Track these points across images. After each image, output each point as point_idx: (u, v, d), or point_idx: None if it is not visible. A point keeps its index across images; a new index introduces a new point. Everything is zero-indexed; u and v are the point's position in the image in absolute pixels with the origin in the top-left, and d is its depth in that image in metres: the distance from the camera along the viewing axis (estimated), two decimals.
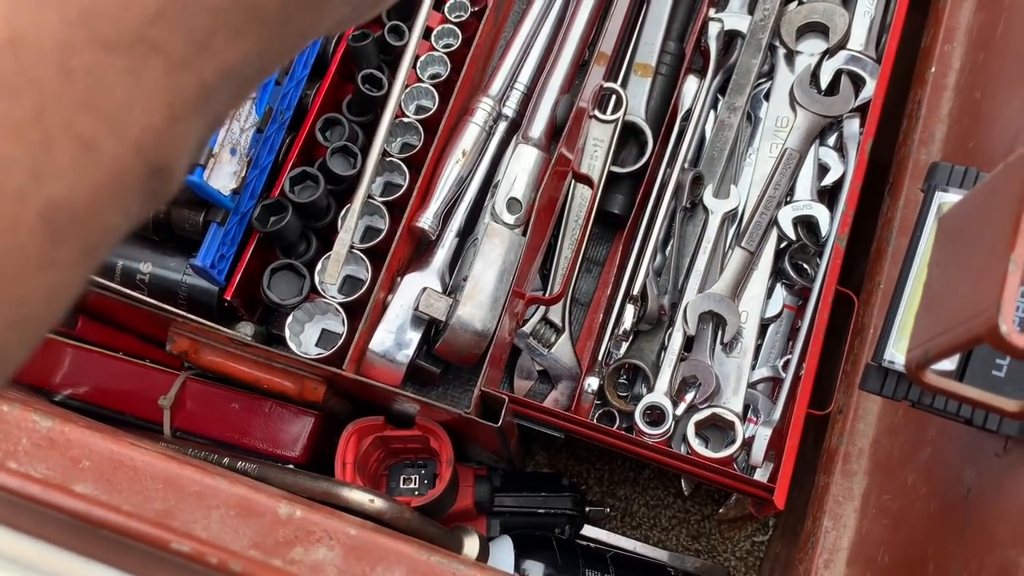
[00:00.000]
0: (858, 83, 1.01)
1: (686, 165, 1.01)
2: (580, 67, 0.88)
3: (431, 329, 0.77)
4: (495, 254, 0.76)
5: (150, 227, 0.78)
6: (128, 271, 0.80)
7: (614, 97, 1.02)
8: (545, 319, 0.98)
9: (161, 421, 0.95)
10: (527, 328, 0.98)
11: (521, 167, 0.79)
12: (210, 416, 0.94)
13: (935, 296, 0.46)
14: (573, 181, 0.97)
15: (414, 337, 0.75)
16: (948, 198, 0.60)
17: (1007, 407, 0.45)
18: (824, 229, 0.97)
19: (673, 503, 1.17)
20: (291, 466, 0.91)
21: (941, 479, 0.69)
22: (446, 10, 0.88)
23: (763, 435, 0.90)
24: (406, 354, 0.75)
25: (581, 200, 0.99)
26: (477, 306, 0.74)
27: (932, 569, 0.64)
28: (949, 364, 0.59)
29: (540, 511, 1.03)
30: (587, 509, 1.08)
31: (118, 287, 0.75)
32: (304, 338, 0.78)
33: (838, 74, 1.01)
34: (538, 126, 0.81)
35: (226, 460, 0.88)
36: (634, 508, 1.16)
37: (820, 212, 0.97)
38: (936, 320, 0.44)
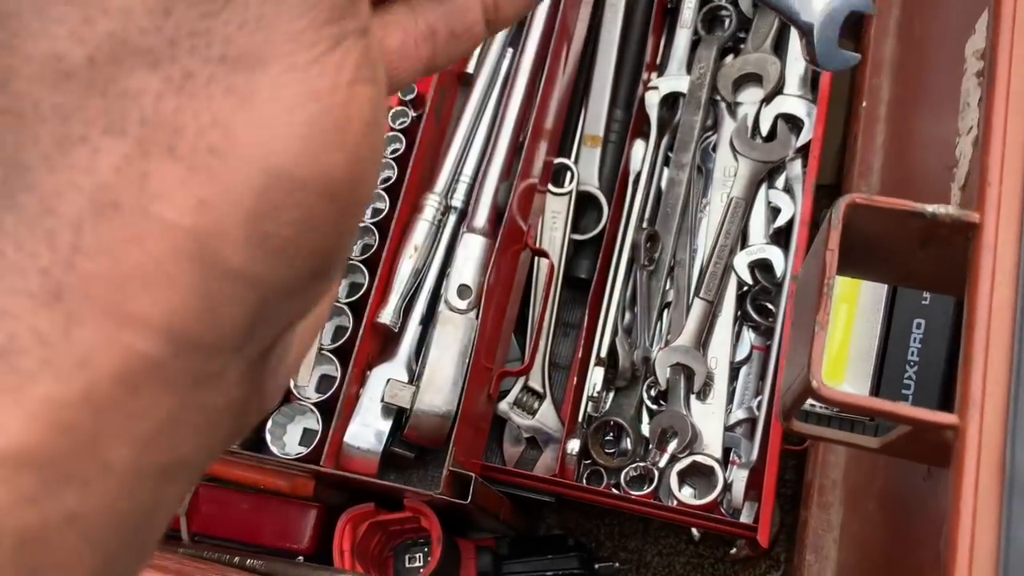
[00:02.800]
0: (798, 124, 1.06)
1: (644, 225, 1.06)
2: (519, 150, 0.94)
3: (401, 416, 0.83)
4: (449, 339, 0.81)
5: None
6: None
7: (567, 172, 1.08)
8: (526, 387, 1.03)
9: (179, 527, 1.01)
10: (510, 397, 1.03)
11: (468, 255, 0.85)
12: (223, 518, 1.00)
13: (790, 350, 0.50)
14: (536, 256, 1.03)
15: (385, 426, 0.81)
16: None
17: (869, 445, 0.48)
18: (779, 270, 1.01)
19: (685, 549, 1.19)
20: (300, 558, 0.96)
21: (889, 506, 0.71)
22: (390, 118, 0.95)
23: (740, 476, 0.93)
24: (378, 444, 0.80)
25: (544, 271, 1.04)
26: (437, 391, 0.79)
27: None
28: (862, 390, 0.63)
29: (548, 574, 1.06)
30: (596, 566, 1.11)
31: None
32: (287, 439, 0.84)
33: (776, 119, 1.06)
34: (481, 215, 0.87)
35: (236, 559, 0.93)
36: (647, 559, 1.19)
37: (773, 253, 1.01)
38: (790, 373, 0.48)
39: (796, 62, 1.08)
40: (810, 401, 0.49)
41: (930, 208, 0.43)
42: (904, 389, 0.62)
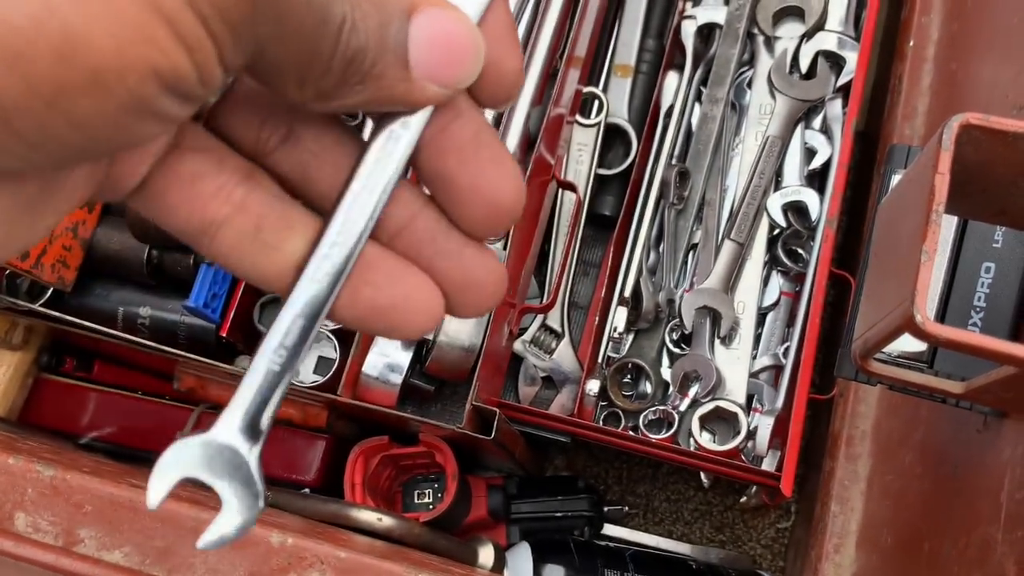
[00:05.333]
0: (839, 63, 1.01)
1: (672, 161, 1.01)
2: (553, 75, 0.89)
3: (422, 348, 0.79)
4: None
5: (144, 272, 0.80)
6: (129, 316, 0.83)
7: (596, 101, 1.03)
8: (544, 325, 1.00)
9: None
10: (527, 336, 0.99)
11: None
12: None
13: (873, 284, 0.47)
14: (559, 188, 0.98)
15: (405, 357, 0.77)
16: None
17: (953, 389, 0.45)
18: (814, 213, 0.97)
19: (694, 496, 1.17)
20: (306, 490, 0.93)
21: (933, 457, 0.69)
22: None
23: (766, 424, 0.90)
24: (399, 375, 0.77)
25: (570, 206, 1.00)
26: (462, 322, 0.75)
27: (927, 548, 0.64)
28: (919, 345, 0.59)
29: (557, 515, 1.04)
30: (605, 509, 1.09)
31: (120, 333, 0.78)
32: (301, 367, 0.80)
33: (816, 56, 1.01)
34: (512, 140, 0.82)
35: None
36: (655, 504, 1.17)
37: (809, 197, 0.97)
38: (874, 309, 0.45)
39: None
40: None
41: None
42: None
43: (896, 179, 0.60)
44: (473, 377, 0.75)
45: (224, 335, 0.79)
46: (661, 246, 1.00)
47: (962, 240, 0.59)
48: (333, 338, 0.79)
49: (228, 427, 0.30)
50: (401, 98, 0.29)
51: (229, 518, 0.29)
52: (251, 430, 0.30)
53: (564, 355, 0.99)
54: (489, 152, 0.31)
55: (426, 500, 0.95)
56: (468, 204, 0.31)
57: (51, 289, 0.82)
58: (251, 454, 0.29)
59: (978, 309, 0.59)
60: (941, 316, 0.59)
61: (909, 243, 0.40)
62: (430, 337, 0.77)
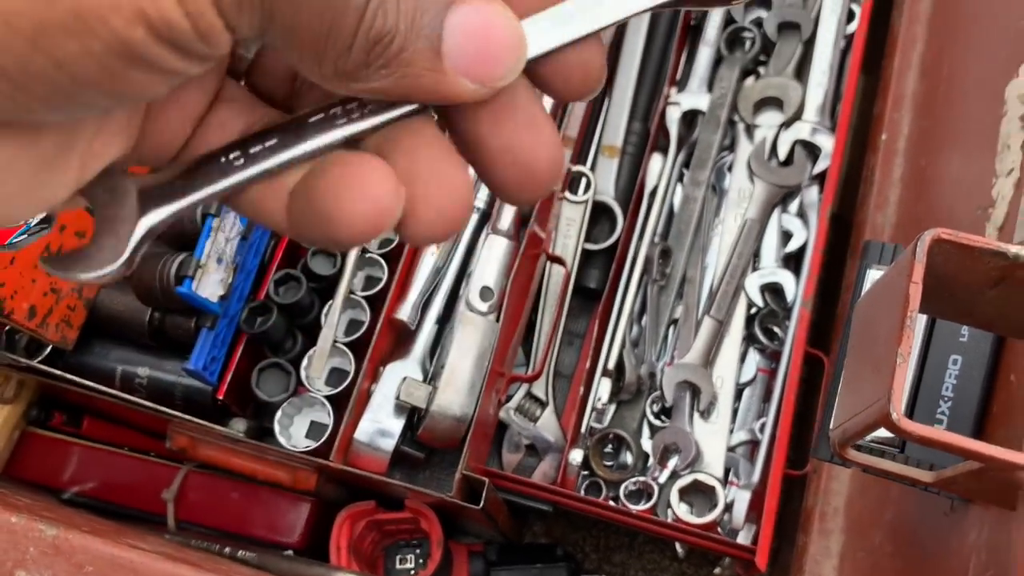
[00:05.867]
0: (815, 152, 1.07)
1: (655, 239, 1.06)
2: None
3: (414, 416, 0.82)
4: (470, 341, 0.80)
5: (146, 333, 0.82)
6: (127, 375, 0.84)
7: (584, 179, 1.07)
8: (529, 393, 1.02)
9: (165, 513, 0.99)
10: (512, 403, 1.02)
11: (492, 256, 0.84)
12: (212, 507, 0.97)
13: (851, 377, 0.50)
14: (548, 261, 1.02)
15: (397, 425, 0.80)
16: (879, 276, 0.64)
17: (922, 478, 0.49)
18: (790, 295, 1.01)
19: (669, 566, 1.19)
20: (290, 552, 0.94)
21: (902, 537, 0.72)
22: None
23: (743, 498, 0.93)
24: (390, 442, 0.79)
25: (557, 278, 1.04)
26: (455, 392, 0.78)
27: None
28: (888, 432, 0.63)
29: None
30: None
31: (118, 392, 0.79)
32: (293, 431, 0.82)
33: (794, 145, 1.06)
34: (506, 217, 0.86)
35: (227, 549, 0.91)
36: (631, 573, 1.19)
37: (785, 278, 1.02)
38: (852, 401, 0.48)
39: (817, 88, 1.09)
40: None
41: (1013, 248, 0.43)
42: (937, 424, 0.63)
43: (871, 274, 0.65)
44: (464, 446, 0.78)
45: (220, 397, 0.81)
46: (644, 319, 1.04)
47: (931, 334, 0.63)
48: (328, 404, 0.82)
49: (145, 183, 0.29)
50: (429, 89, 0.27)
51: (88, 263, 0.28)
52: (150, 203, 0.29)
53: (548, 423, 1.01)
54: (524, 114, 0.29)
55: (408, 565, 0.96)
56: (501, 168, 0.29)
57: (50, 346, 0.84)
58: (137, 221, 0.28)
59: (946, 399, 0.63)
60: (912, 405, 0.63)
61: (885, 344, 0.43)
62: (423, 406, 0.80)
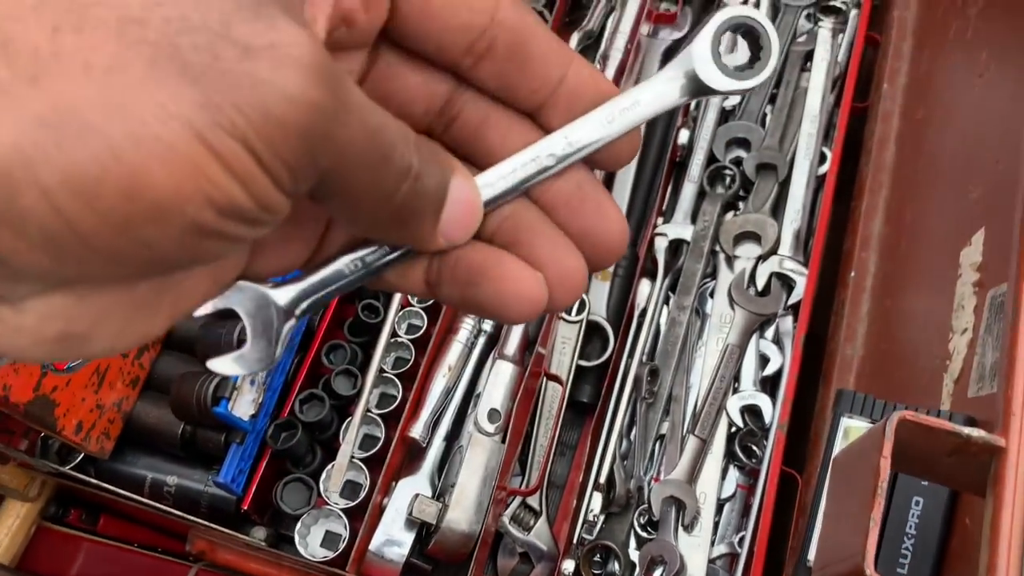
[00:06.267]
0: (790, 284, 1.16)
1: (644, 358, 1.14)
2: None
3: (423, 530, 0.88)
4: (478, 462, 0.87)
5: (177, 445, 0.89)
6: (156, 483, 0.90)
7: (579, 301, 1.16)
8: (524, 504, 1.09)
9: None
10: (507, 512, 1.08)
11: (499, 381, 0.92)
12: None
13: (830, 523, 0.58)
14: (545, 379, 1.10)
15: (408, 538, 0.86)
16: (852, 423, 0.72)
17: None
18: (767, 416, 1.10)
19: None
20: None
21: None
22: None
23: None
24: (401, 554, 0.85)
25: (553, 394, 1.12)
26: (463, 511, 0.85)
27: None
28: None
29: None
30: None
31: (148, 500, 0.85)
32: (310, 539, 0.88)
33: (771, 276, 1.16)
34: (512, 343, 0.94)
35: None
36: None
37: (763, 401, 1.10)
38: (831, 546, 0.56)
39: (791, 225, 1.20)
40: None
41: (966, 431, 0.51)
42: (901, 559, 0.70)
43: (845, 421, 0.73)
44: (471, 560, 0.84)
45: (245, 507, 0.87)
46: (633, 434, 1.11)
47: (896, 479, 0.71)
48: (344, 517, 0.88)
49: (283, 294, 0.35)
50: (420, 243, 0.34)
51: (244, 361, 0.34)
52: (295, 306, 0.35)
53: (541, 532, 1.07)
54: (593, 203, 0.37)
55: None
56: (580, 249, 0.36)
57: (82, 454, 0.89)
58: (284, 324, 0.35)
59: (909, 536, 0.71)
60: (880, 538, 0.71)
61: (859, 505, 0.51)
62: (433, 522, 0.86)
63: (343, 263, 0.36)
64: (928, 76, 1.15)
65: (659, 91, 0.38)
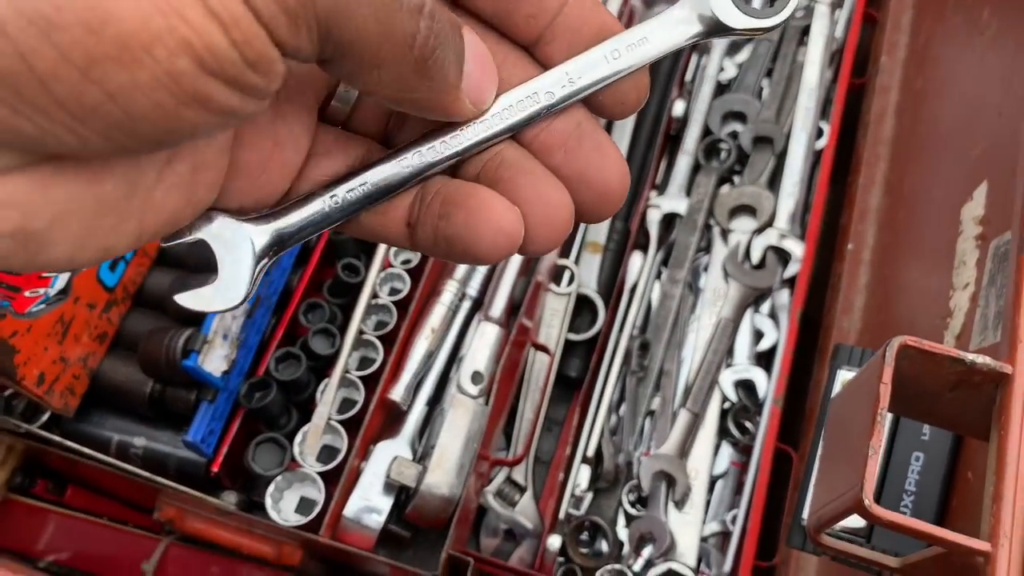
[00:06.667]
0: (786, 257, 1.13)
1: (634, 332, 1.11)
2: None
3: (401, 495, 0.84)
4: (460, 423, 0.84)
5: (145, 404, 0.85)
6: (122, 445, 0.86)
7: (568, 272, 1.13)
8: (509, 478, 1.05)
9: None
10: (492, 487, 1.04)
11: (483, 343, 0.88)
12: None
13: (825, 468, 0.55)
14: (532, 349, 1.06)
15: (386, 503, 0.82)
16: (850, 375, 0.69)
17: (889, 563, 0.53)
18: (762, 391, 1.06)
19: None
20: None
21: None
22: None
23: None
24: (378, 519, 0.82)
25: (540, 366, 1.08)
26: (444, 473, 0.81)
27: None
28: (859, 522, 0.67)
29: None
30: None
31: (113, 460, 0.81)
32: (283, 505, 0.84)
33: (766, 250, 1.13)
34: (498, 305, 0.91)
35: None
36: None
37: (758, 375, 1.07)
38: (827, 489, 0.53)
39: (788, 199, 1.17)
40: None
41: (970, 356, 0.48)
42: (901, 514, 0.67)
43: (841, 374, 0.70)
44: (450, 526, 0.80)
45: (215, 470, 0.83)
46: (622, 409, 1.08)
47: (895, 433, 0.68)
48: (319, 480, 0.84)
49: (258, 230, 0.33)
50: (445, 106, 0.31)
51: (212, 296, 0.32)
52: (272, 245, 0.33)
53: (527, 508, 1.04)
54: (592, 141, 0.33)
55: None
56: (577, 193, 0.33)
57: (48, 412, 0.86)
58: (257, 261, 0.33)
59: (909, 493, 0.67)
60: (878, 496, 0.67)
61: (858, 438, 0.48)
62: (412, 485, 0.82)
63: (321, 200, 0.34)
64: (927, 45, 1.12)
65: (670, 28, 0.35)
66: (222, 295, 0.33)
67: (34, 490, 1.01)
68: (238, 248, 0.33)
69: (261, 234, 0.33)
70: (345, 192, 0.33)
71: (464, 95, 0.31)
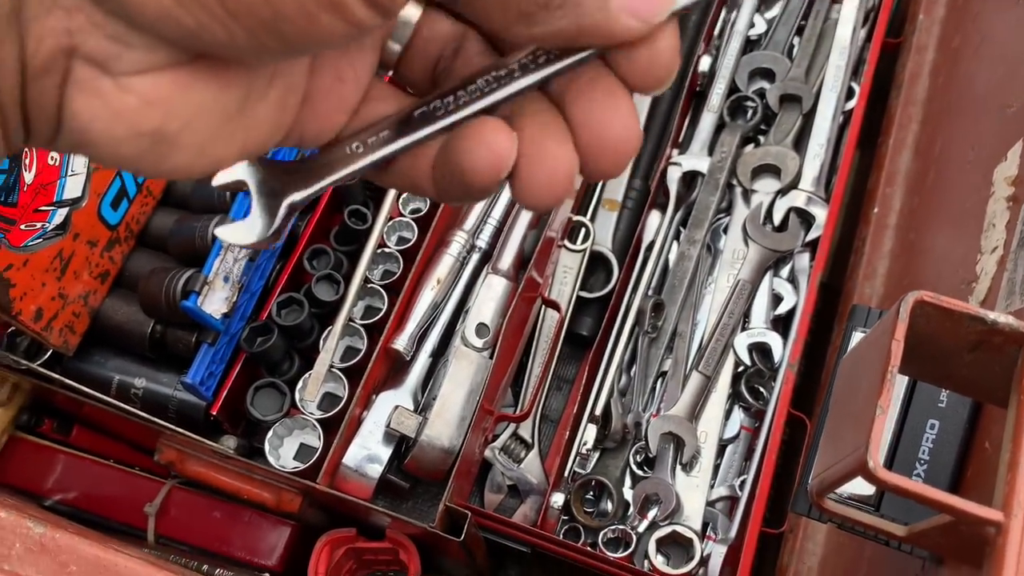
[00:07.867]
0: (809, 220, 1.10)
1: (649, 292, 1.08)
2: None
3: (402, 445, 0.83)
4: (463, 375, 0.82)
5: (146, 345, 0.84)
6: (123, 385, 0.86)
7: (583, 229, 1.10)
8: (516, 435, 1.04)
9: (145, 527, 0.99)
10: (498, 443, 1.03)
11: (490, 295, 0.86)
12: (192, 524, 0.98)
13: (832, 430, 0.52)
14: (543, 305, 1.04)
15: (385, 452, 0.81)
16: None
17: (896, 532, 0.50)
18: (777, 355, 1.03)
19: None
20: (267, 574, 0.94)
21: None
22: None
23: (719, 552, 0.94)
24: (377, 469, 0.80)
25: (551, 323, 1.06)
26: (444, 424, 0.80)
27: None
28: (868, 489, 0.65)
29: None
30: None
31: (113, 400, 0.81)
32: (283, 451, 0.83)
33: (789, 212, 1.10)
34: (507, 258, 0.89)
35: (205, 567, 0.92)
36: None
37: (773, 339, 1.04)
38: (831, 452, 0.50)
39: (814, 160, 1.13)
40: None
41: (991, 315, 0.45)
42: None
43: (856, 336, 0.67)
44: (449, 478, 0.79)
45: (214, 413, 0.82)
46: (633, 370, 1.06)
47: (911, 398, 0.65)
48: (319, 427, 0.83)
49: (294, 176, 0.34)
50: (597, 28, 0.29)
51: (245, 232, 0.34)
52: (298, 187, 0.34)
53: (532, 465, 1.02)
54: (603, 87, 0.31)
55: None
56: (581, 140, 0.31)
57: (50, 351, 0.85)
58: (289, 205, 0.34)
59: (922, 461, 0.65)
60: (889, 464, 0.65)
61: (866, 397, 0.46)
62: (412, 435, 0.81)
63: (358, 142, 0.34)
64: (968, 2, 1.07)
65: None
66: (252, 231, 0.34)
67: (41, 429, 1.01)
68: (271, 189, 0.34)
69: (293, 177, 0.34)
70: (369, 139, 0.34)
71: (618, 11, 0.29)
